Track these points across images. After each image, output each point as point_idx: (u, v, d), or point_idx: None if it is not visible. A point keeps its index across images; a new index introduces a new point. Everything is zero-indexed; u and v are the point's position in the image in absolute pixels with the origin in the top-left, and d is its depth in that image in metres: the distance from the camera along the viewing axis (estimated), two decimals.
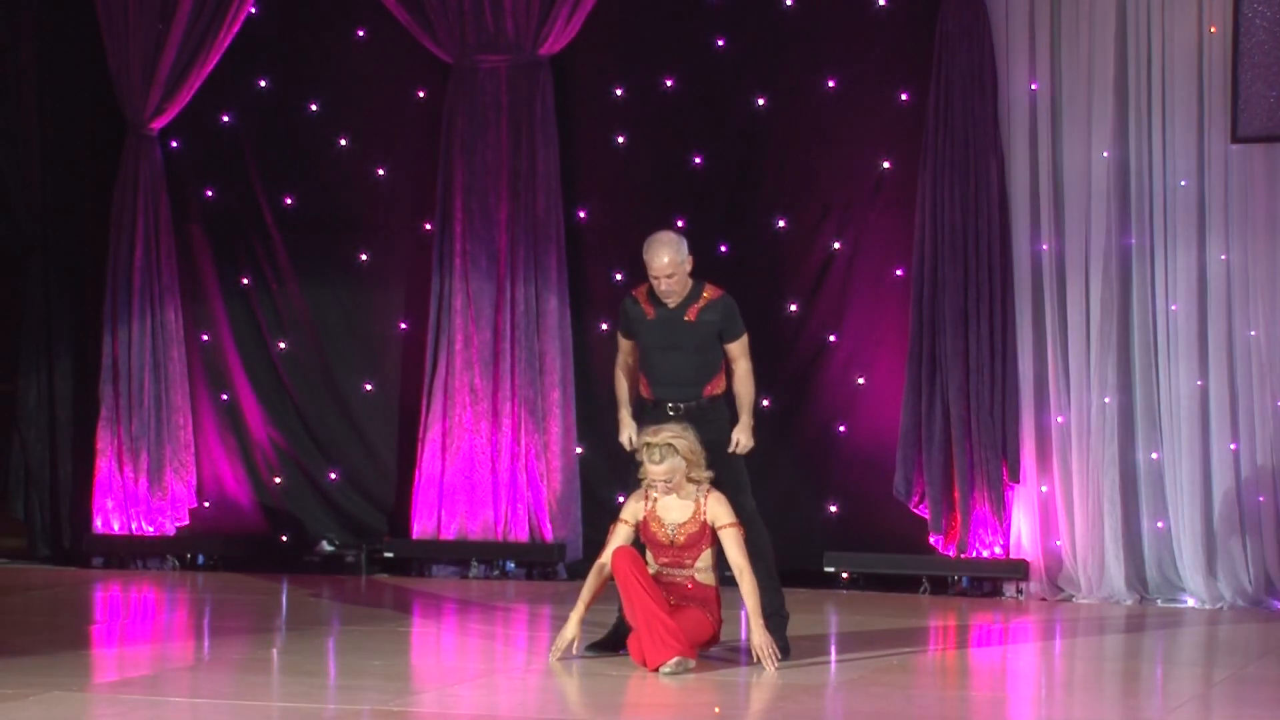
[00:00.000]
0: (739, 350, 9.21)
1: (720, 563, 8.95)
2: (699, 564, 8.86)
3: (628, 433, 9.21)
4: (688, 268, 9.10)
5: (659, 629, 8.62)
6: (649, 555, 8.91)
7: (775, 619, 9.06)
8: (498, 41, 12.17)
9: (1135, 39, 11.25)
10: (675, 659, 8.60)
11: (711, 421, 9.07)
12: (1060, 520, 11.37)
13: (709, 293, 9.16)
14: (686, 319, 9.10)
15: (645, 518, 8.88)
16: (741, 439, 9.11)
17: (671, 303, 9.10)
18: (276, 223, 12.80)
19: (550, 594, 11.56)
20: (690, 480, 8.82)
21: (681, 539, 8.83)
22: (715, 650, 9.16)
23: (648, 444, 8.77)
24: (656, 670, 8.62)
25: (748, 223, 12.06)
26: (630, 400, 9.29)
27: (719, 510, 8.81)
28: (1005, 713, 8.45)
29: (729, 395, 9.26)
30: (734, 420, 9.19)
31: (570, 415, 12.07)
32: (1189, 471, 11.16)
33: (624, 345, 9.34)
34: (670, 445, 8.73)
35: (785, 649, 9.01)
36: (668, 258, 8.99)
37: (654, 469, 8.77)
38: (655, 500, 8.88)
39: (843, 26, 11.85)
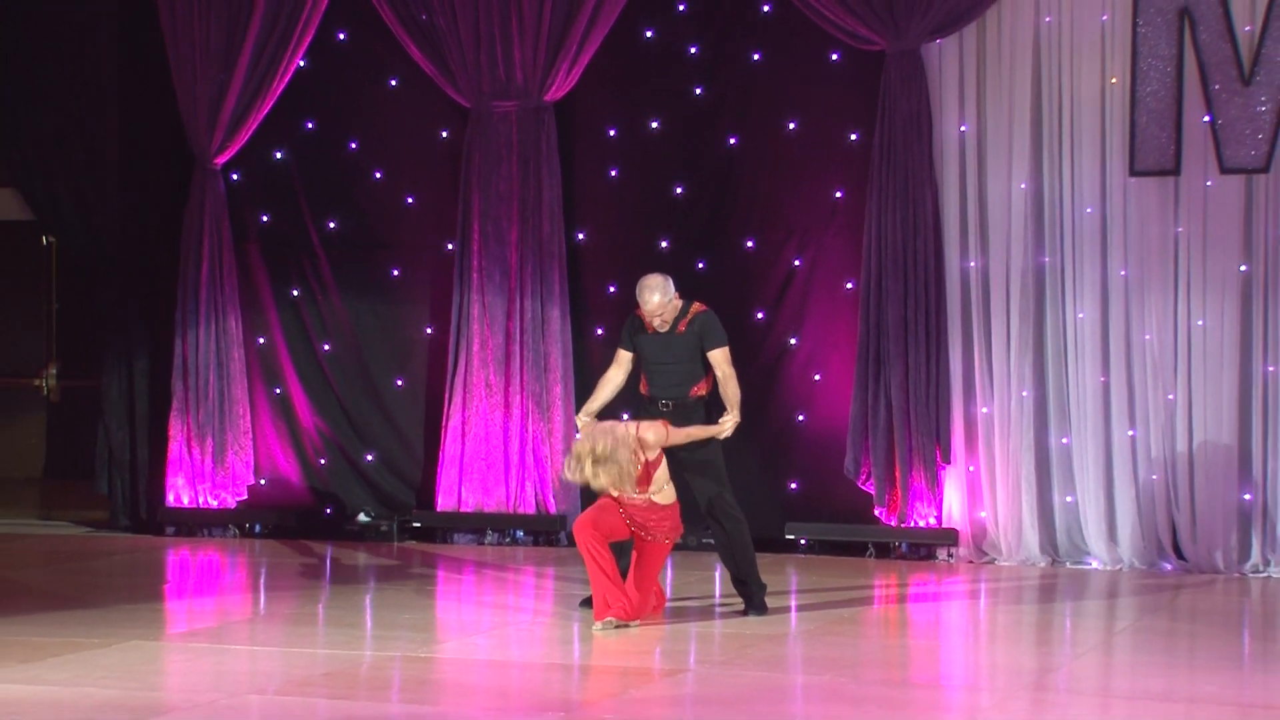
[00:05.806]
0: (720, 358, 9.09)
1: (686, 531, 9.02)
2: (652, 489, 8.76)
3: (588, 410, 9.14)
4: (675, 300, 9.16)
5: (601, 593, 8.69)
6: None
7: (753, 586, 9.12)
8: (509, 89, 12.22)
9: (1048, 88, 11.23)
10: (608, 618, 8.66)
11: (692, 415, 9.11)
12: (984, 495, 11.34)
13: (695, 308, 9.18)
14: (677, 332, 9.14)
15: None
16: (728, 424, 9.04)
17: (665, 328, 9.22)
18: (322, 243, 12.80)
19: (553, 558, 11.49)
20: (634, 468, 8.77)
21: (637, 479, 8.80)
22: (689, 605, 9.12)
23: (584, 470, 8.67)
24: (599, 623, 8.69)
25: (721, 243, 12.06)
26: (601, 404, 9.18)
27: (648, 437, 8.73)
28: (939, 658, 8.45)
29: (715, 399, 9.23)
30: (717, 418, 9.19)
31: (570, 406, 12.03)
32: (1093, 454, 11.14)
33: (620, 357, 9.27)
34: (595, 473, 8.62)
35: (763, 607, 9.08)
36: (656, 299, 9.04)
37: (597, 484, 8.71)
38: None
39: (803, 77, 11.80)
